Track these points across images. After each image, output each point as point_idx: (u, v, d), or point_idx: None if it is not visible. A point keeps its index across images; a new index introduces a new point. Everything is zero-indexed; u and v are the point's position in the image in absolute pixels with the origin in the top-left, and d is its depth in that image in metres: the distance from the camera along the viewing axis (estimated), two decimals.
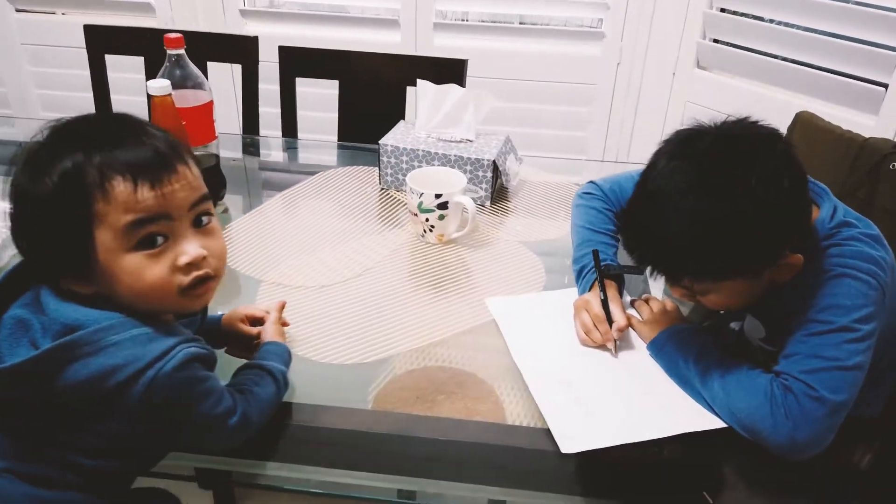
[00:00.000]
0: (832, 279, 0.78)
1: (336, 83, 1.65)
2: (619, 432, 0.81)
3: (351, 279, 1.09)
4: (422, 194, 1.12)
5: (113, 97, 1.72)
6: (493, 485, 0.78)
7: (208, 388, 0.69)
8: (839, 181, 1.23)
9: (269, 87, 1.69)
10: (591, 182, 1.13)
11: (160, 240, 0.66)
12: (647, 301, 1.00)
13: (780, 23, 1.83)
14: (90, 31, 1.68)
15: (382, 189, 1.36)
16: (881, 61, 1.64)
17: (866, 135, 1.26)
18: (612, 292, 0.98)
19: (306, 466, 0.78)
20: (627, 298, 1.04)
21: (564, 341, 0.96)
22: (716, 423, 0.82)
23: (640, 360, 0.93)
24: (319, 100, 1.71)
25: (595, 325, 0.94)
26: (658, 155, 0.80)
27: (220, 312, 0.91)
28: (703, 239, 0.75)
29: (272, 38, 1.73)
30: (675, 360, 0.88)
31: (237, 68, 1.67)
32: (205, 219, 0.70)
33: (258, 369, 0.80)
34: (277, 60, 1.63)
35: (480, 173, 1.28)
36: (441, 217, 1.14)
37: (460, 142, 1.31)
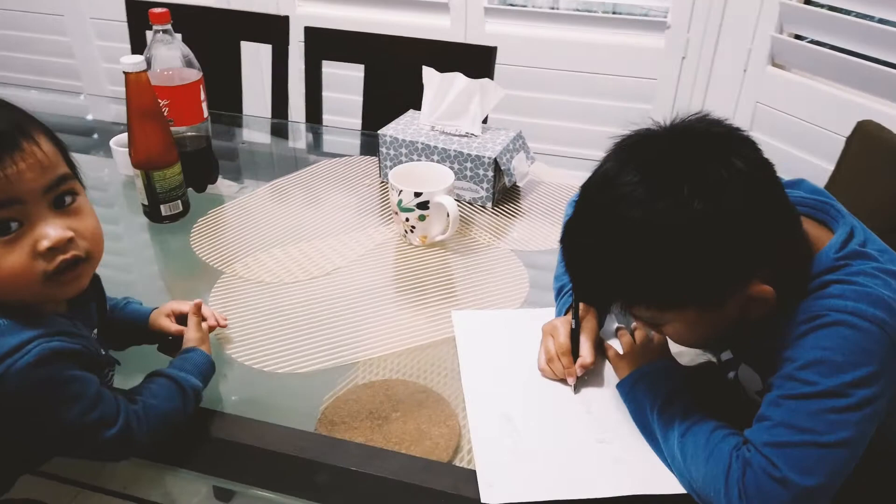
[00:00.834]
0: (824, 327, 0.62)
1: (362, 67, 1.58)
2: (555, 486, 0.69)
3: (318, 277, 1.02)
4: (401, 192, 1.03)
5: None
6: None
7: (75, 392, 0.62)
8: None
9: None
10: None
11: (14, 225, 0.61)
12: (633, 331, 0.87)
13: (870, 18, 1.59)
14: (131, 6, 1.70)
15: (383, 182, 1.28)
16: None
17: None
18: (588, 321, 0.86)
19: (217, 479, 0.72)
20: (613, 325, 0.91)
21: (521, 368, 0.85)
22: (675, 487, 0.69)
23: (604, 400, 0.81)
24: (345, 83, 1.64)
25: (558, 356, 0.82)
26: (605, 157, 0.68)
27: (154, 307, 0.86)
28: (636, 256, 0.62)
29: (314, 18, 1.67)
30: (643, 405, 0.76)
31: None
32: (67, 198, 0.64)
33: (166, 379, 0.73)
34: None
35: (481, 171, 1.17)
36: (422, 217, 1.05)
37: (465, 136, 1.21)
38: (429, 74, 1.22)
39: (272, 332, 0.91)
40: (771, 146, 1.54)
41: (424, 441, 0.76)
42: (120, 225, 1.17)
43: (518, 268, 1.05)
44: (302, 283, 1.01)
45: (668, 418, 0.71)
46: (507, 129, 1.24)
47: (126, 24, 1.70)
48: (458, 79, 1.20)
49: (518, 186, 1.26)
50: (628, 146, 0.66)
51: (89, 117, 1.68)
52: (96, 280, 0.74)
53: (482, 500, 0.68)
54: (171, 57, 1.11)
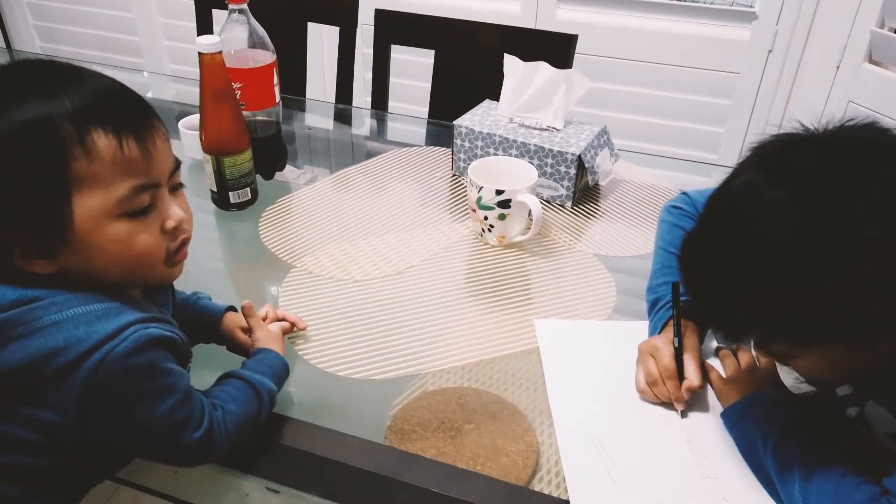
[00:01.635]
0: None
1: (432, 53, 1.52)
2: None
3: (391, 276, 0.97)
4: (481, 189, 0.97)
5: None
6: None
7: (169, 385, 0.58)
8: None
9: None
10: (683, 193, 0.92)
11: (150, 207, 0.60)
12: (736, 352, 0.80)
13: None
14: None
15: (455, 176, 1.22)
16: None
17: None
18: (690, 339, 0.79)
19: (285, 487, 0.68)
20: (713, 344, 0.84)
21: (614, 388, 0.78)
22: None
23: (707, 428, 0.74)
24: (411, 69, 1.58)
25: (663, 380, 0.75)
26: (741, 167, 0.60)
27: (225, 304, 0.81)
28: (789, 288, 0.54)
29: (382, 1, 1.61)
30: (753, 440, 0.68)
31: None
32: (179, 184, 0.65)
33: (242, 381, 0.69)
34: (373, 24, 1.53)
35: (563, 168, 1.10)
36: (502, 217, 0.99)
37: (546, 129, 1.13)
38: (511, 63, 1.15)
39: (344, 333, 0.86)
40: None
41: (500, 458, 0.71)
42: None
43: (603, 274, 0.98)
44: (374, 280, 0.95)
45: (785, 458, 0.64)
46: (591, 123, 1.17)
47: (193, 1, 1.67)
48: (542, 68, 1.13)
49: (599, 185, 1.18)
50: (773, 154, 0.58)
51: (149, 94, 1.65)
52: None
53: None
54: (245, 38, 1.06)
